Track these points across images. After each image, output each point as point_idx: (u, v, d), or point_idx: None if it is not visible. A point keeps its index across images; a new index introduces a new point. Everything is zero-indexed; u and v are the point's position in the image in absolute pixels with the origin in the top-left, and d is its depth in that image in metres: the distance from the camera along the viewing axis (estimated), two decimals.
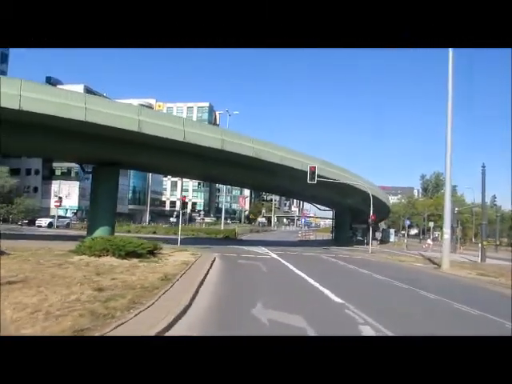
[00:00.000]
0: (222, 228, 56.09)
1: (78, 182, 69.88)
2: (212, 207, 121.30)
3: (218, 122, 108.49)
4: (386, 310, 8.75)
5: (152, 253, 16.37)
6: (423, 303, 10.25)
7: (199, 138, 23.85)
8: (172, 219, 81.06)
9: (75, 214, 67.94)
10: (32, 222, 44.36)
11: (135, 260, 14.29)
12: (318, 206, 52.54)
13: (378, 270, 17.40)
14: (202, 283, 10.65)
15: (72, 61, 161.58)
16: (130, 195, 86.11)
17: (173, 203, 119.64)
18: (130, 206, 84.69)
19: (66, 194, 69.79)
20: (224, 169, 28.30)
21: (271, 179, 31.44)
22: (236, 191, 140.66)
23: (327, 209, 51.13)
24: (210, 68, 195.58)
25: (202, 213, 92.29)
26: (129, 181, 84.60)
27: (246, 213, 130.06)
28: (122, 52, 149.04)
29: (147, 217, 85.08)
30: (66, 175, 70.88)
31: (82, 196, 70.04)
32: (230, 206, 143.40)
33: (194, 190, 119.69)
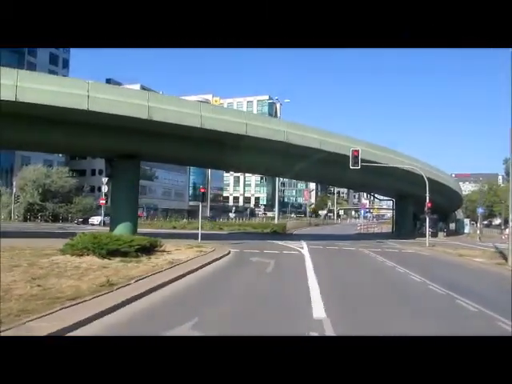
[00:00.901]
0: (277, 222, 53.65)
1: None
2: (275, 201, 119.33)
3: (279, 115, 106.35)
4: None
5: (148, 250, 14.50)
6: (453, 321, 7.06)
7: (262, 131, 22.93)
8: (231, 214, 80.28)
9: None
10: (86, 221, 45.18)
11: (117, 259, 12.47)
12: (379, 196, 48.33)
13: (420, 269, 14.10)
14: (153, 290, 8.43)
15: (130, 61, 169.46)
16: (191, 192, 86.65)
17: (236, 199, 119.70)
18: (191, 203, 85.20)
19: None
20: (288, 162, 27.02)
21: (335, 170, 29.18)
22: (301, 185, 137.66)
23: (387, 198, 46.68)
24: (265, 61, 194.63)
25: (262, 207, 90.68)
26: (188, 177, 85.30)
27: (312, 206, 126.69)
28: (178, 52, 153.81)
29: (208, 213, 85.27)
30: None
31: (141, 194, 71.44)
32: (296, 200, 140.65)
33: (256, 185, 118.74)
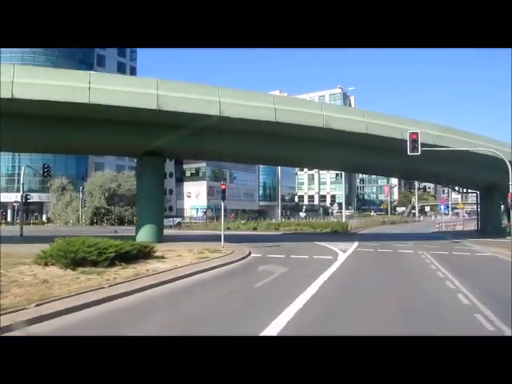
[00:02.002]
0: (344, 221, 49.44)
1: (205, 182, 71.28)
2: (352, 199, 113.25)
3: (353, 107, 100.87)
4: None
5: (136, 257, 12.32)
6: None
7: (342, 122, 20.90)
8: (301, 214, 77.03)
9: (205, 212, 69.18)
10: None
11: (80, 270, 10.40)
12: (462, 189, 42.18)
13: (483, 281, 10.21)
14: (44, 319, 6.02)
15: (192, 63, 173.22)
16: (261, 192, 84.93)
17: (311, 197, 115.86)
18: (261, 203, 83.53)
19: (196, 194, 72.06)
20: (367, 155, 24.22)
21: (419, 163, 24.95)
22: (382, 181, 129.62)
23: (472, 191, 40.38)
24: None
25: (335, 205, 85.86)
26: (258, 177, 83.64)
27: (395, 203, 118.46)
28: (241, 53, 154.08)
29: (279, 213, 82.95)
30: (195, 175, 72.98)
31: (209, 194, 71.31)
32: (377, 197, 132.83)
33: (332, 183, 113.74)
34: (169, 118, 18.22)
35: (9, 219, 56.10)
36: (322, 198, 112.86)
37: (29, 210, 57.98)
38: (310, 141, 21.67)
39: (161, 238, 20.50)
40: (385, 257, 16.57)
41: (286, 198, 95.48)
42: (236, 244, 20.28)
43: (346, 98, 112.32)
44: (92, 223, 48.13)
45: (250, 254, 16.26)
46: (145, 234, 20.42)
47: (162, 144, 20.11)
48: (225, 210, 65.49)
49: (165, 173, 23.50)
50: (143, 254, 12.79)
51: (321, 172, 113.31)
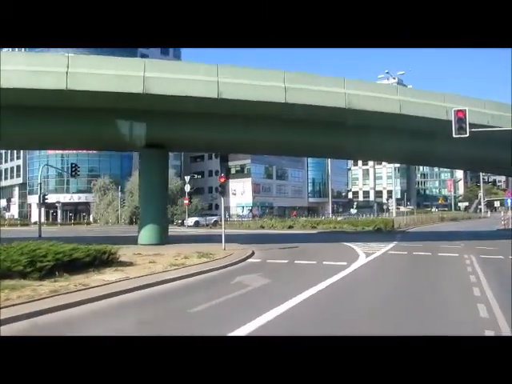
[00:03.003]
0: (395, 217, 45.04)
1: (250, 178, 69.26)
2: (412, 194, 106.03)
3: None
4: None
5: (91, 264, 10.22)
6: None
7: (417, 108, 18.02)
8: (352, 210, 72.65)
9: (250, 210, 67.19)
10: (184, 223, 43.77)
11: (12, 282, 8.44)
12: None
13: None
14: None
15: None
16: (310, 188, 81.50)
17: (366, 193, 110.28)
18: (311, 199, 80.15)
19: (242, 191, 70.22)
20: (432, 144, 20.33)
21: (487, 150, 21.34)
22: (446, 174, 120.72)
23: None
24: None
25: (390, 201, 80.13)
26: (306, 173, 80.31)
27: (460, 198, 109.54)
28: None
29: (329, 209, 79.03)
30: (240, 172, 71.20)
31: (255, 192, 69.24)
32: (440, 192, 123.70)
33: (388, 177, 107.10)
34: (168, 104, 16.09)
35: (58, 219, 57.70)
36: (378, 193, 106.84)
37: (77, 211, 59.38)
38: (355, 128, 18.40)
39: (164, 239, 18.45)
40: (414, 263, 13.24)
41: (339, 193, 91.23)
42: (249, 245, 17.77)
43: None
44: (131, 223, 47.64)
45: (248, 258, 13.72)
46: (146, 236, 18.50)
47: (164, 134, 18.08)
48: (271, 207, 63.26)
49: (168, 167, 21.10)
50: (102, 260, 10.66)
51: (376, 166, 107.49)
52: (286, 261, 13.11)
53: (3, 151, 70.50)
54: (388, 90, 18.88)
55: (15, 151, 66.29)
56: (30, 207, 62.97)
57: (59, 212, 59.05)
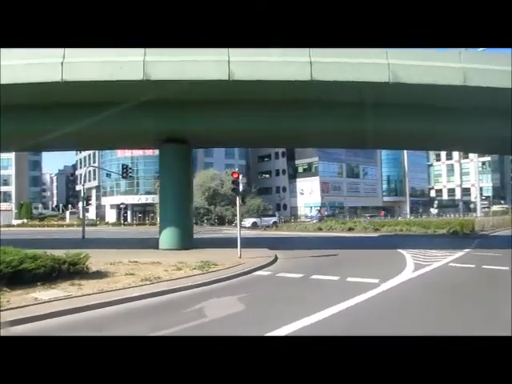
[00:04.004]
0: (477, 217, 39.30)
1: (318, 177, 65.85)
2: (507, 192, 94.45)
3: None
4: None
5: (48, 274, 8.50)
6: None
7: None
8: (433, 210, 65.91)
9: (318, 211, 63.80)
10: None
11: None
12: None
13: None
14: None
15: None
16: (384, 186, 75.81)
17: (451, 191, 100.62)
18: (386, 198, 74.49)
19: (310, 191, 67.09)
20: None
21: None
22: None
23: None
24: None
25: (477, 198, 71.33)
26: (380, 170, 74.82)
27: None
28: None
29: (407, 209, 72.67)
30: (307, 171, 68.09)
31: (323, 191, 65.72)
32: None
33: (479, 173, 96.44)
34: (180, 93, 14.17)
35: (128, 220, 59.39)
36: (466, 191, 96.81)
37: (145, 211, 60.74)
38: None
39: (186, 243, 16.57)
40: (476, 284, 9.73)
41: (422, 192, 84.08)
42: (282, 252, 15.32)
43: None
44: None
45: (260, 269, 11.26)
46: (166, 240, 16.75)
47: (183, 128, 16.20)
48: (341, 207, 59.50)
49: (190, 164, 18.90)
50: (62, 272, 8.89)
51: (462, 161, 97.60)
52: (301, 275, 10.41)
53: (82, 156, 74.83)
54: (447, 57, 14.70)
55: (91, 156, 69.81)
56: (104, 208, 65.87)
57: (129, 213, 60.77)
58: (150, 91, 13.61)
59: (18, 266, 8.19)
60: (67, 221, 61.12)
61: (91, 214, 66.57)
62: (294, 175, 69.67)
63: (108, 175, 58.31)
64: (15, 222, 60.17)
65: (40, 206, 78.85)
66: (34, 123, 14.70)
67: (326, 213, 61.74)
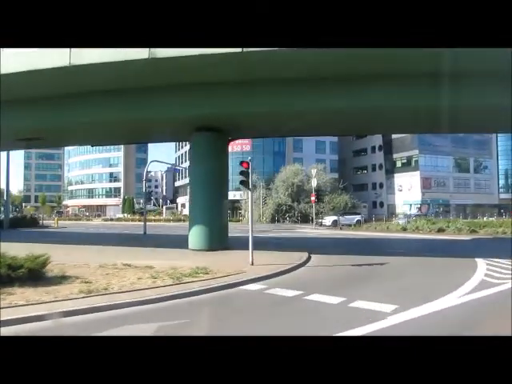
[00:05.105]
0: None
1: (418, 172, 59.45)
2: None
3: None
4: None
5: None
6: None
7: None
8: None
9: (419, 208, 57.61)
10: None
11: None
12: None
13: None
14: None
15: None
16: (502, 182, 65.83)
17: None
18: (502, 196, 64.64)
19: (409, 187, 60.97)
20: None
21: None
22: None
23: None
24: None
25: None
26: (496, 163, 65.14)
27: None
28: None
29: None
30: (406, 166, 61.91)
31: (424, 187, 59.15)
32: None
33: None
34: (201, 74, 12.57)
35: None
36: None
37: (234, 208, 60.87)
38: None
39: (217, 243, 14.87)
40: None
41: None
42: (322, 256, 12.95)
43: None
44: (273, 220, 45.55)
45: (251, 282, 9.06)
46: (194, 240, 15.25)
47: (215, 112, 14.46)
48: (447, 205, 53.03)
49: (224, 156, 16.67)
50: (19, 276, 7.77)
51: None
52: (298, 293, 7.98)
53: (180, 154, 78.05)
54: None
55: (186, 153, 72.39)
56: None
57: None
58: (158, 72, 12.20)
59: None
60: (164, 216, 64.08)
61: (186, 210, 69.10)
62: (391, 170, 64.01)
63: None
64: (118, 215, 64.82)
65: (141, 201, 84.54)
66: (44, 116, 14.25)
67: (426, 211, 55.49)
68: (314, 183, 37.34)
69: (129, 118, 14.33)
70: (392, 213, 56.51)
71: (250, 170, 11.16)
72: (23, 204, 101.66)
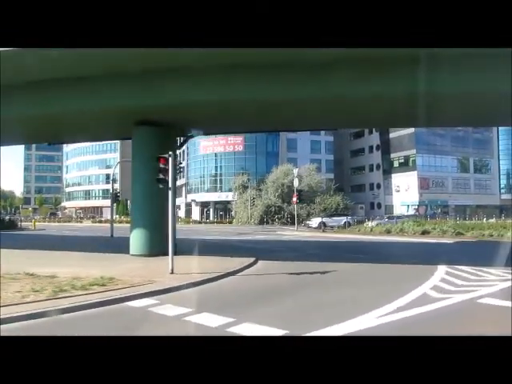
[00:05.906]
0: None
1: (415, 172, 57.77)
2: None
3: None
4: None
5: None
6: None
7: None
8: None
9: (416, 210, 55.88)
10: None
11: None
12: None
13: None
14: None
15: None
16: (503, 182, 63.88)
17: None
18: (504, 196, 62.72)
19: (406, 187, 59.29)
20: None
21: None
22: None
23: None
24: None
25: None
26: (498, 162, 63.26)
27: None
28: None
29: None
30: (403, 166, 60.25)
31: (422, 188, 57.47)
32: None
33: None
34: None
35: (211, 218, 58.87)
36: None
37: (226, 209, 59.58)
38: None
39: (159, 249, 13.51)
40: None
41: None
42: (270, 262, 11.62)
43: None
44: (261, 222, 44.17)
45: (143, 296, 7.75)
46: (135, 244, 13.96)
47: (161, 104, 13.12)
48: (445, 206, 51.36)
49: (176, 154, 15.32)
50: None
51: None
52: (186, 311, 6.65)
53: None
54: None
55: (181, 154, 71.28)
56: (191, 205, 66.45)
57: (211, 210, 60.29)
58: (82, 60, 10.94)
59: None
60: None
61: (181, 212, 68.00)
62: (389, 170, 62.40)
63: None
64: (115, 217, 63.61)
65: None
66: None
67: (423, 212, 53.74)
68: (295, 183, 35.88)
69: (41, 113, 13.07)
70: (389, 214, 54.92)
71: (169, 167, 9.84)
72: (21, 206, 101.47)
